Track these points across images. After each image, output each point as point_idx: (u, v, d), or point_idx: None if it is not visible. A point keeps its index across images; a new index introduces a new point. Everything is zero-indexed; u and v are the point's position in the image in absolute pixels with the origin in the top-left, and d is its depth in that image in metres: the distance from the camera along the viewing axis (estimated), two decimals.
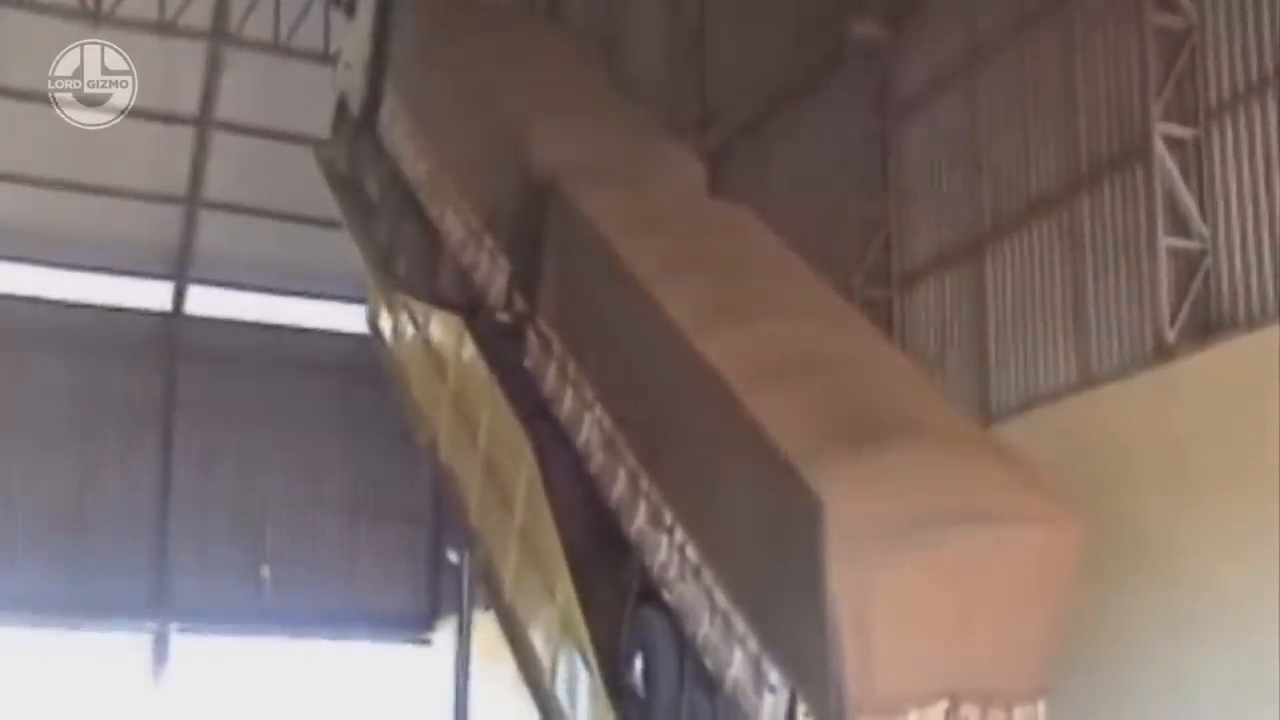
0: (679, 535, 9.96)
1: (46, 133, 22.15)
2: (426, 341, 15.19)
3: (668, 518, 10.11)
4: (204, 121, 24.85)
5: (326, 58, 22.28)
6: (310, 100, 20.72)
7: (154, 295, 25.73)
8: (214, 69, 24.54)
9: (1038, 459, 11.72)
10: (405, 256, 16.70)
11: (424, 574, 25.91)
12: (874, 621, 8.25)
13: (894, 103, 17.66)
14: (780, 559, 8.82)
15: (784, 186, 18.92)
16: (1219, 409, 12.54)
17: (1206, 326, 13.05)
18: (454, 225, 14.79)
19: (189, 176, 25.16)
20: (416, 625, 26.31)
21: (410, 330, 15.85)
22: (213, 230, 25.54)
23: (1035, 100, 15.40)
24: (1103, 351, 14.23)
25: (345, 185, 18.86)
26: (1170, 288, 13.28)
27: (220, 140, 25.04)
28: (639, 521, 10.46)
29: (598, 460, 11.23)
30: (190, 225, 25.50)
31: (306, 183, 20.23)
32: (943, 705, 8.64)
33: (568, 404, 11.83)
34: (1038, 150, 15.30)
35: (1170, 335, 13.23)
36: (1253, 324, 12.62)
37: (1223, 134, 13.13)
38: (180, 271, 25.79)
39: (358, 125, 18.12)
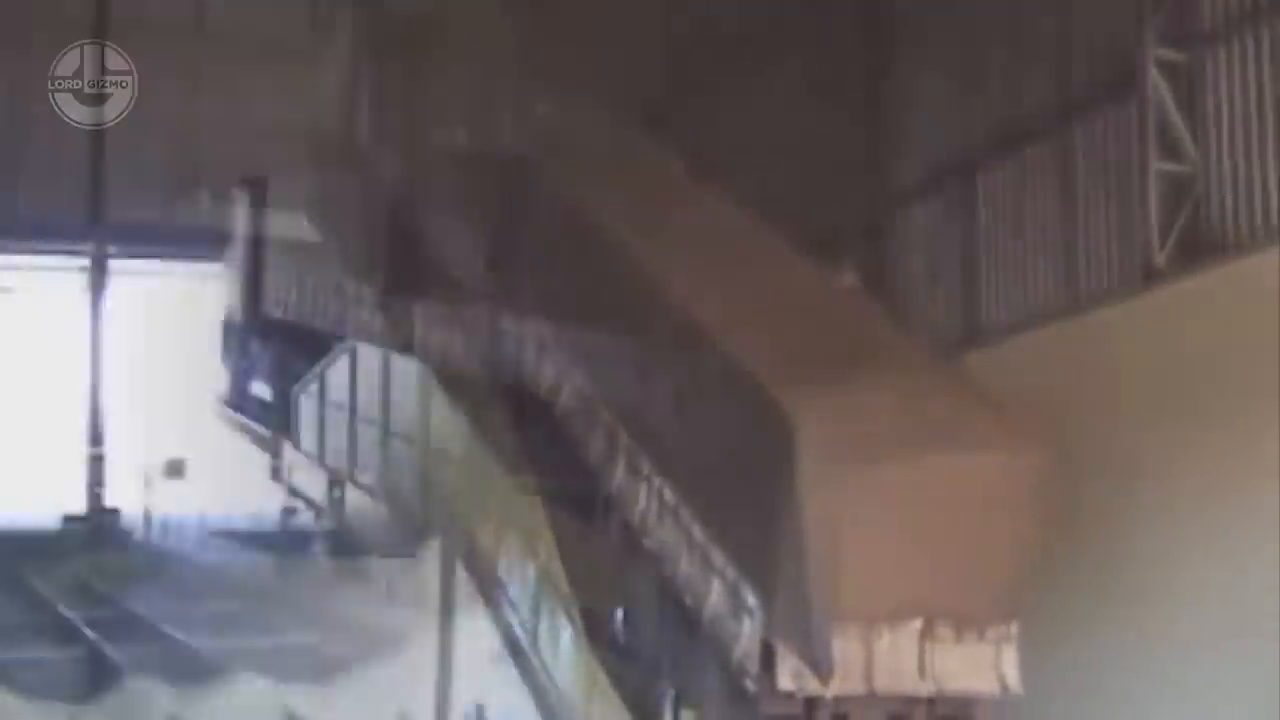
0: (656, 481, 10.26)
1: None
2: None
3: (645, 467, 10.41)
4: None
5: None
6: None
7: None
8: None
9: (1026, 381, 11.96)
10: None
11: None
12: (845, 541, 8.53)
13: (887, 28, 17.61)
14: (755, 486, 9.06)
15: (778, 112, 18.85)
16: (1207, 332, 12.58)
17: (1195, 251, 13.04)
18: None
19: None
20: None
21: None
22: None
23: (1028, 23, 15.33)
24: (1092, 275, 14.27)
25: None
26: (1160, 212, 13.28)
27: None
28: (618, 477, 10.79)
29: (577, 423, 11.63)
30: None
31: None
32: (916, 623, 8.92)
33: (546, 372, 12.31)
34: (1030, 74, 15.24)
35: (1159, 259, 13.22)
36: (1241, 249, 12.62)
37: (1215, 59, 13.05)
38: None
39: None
